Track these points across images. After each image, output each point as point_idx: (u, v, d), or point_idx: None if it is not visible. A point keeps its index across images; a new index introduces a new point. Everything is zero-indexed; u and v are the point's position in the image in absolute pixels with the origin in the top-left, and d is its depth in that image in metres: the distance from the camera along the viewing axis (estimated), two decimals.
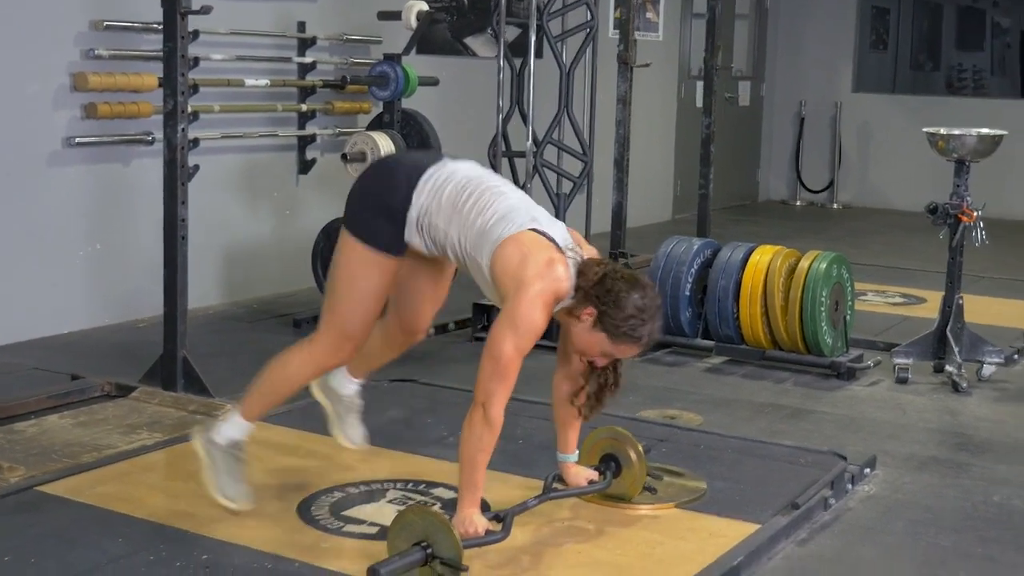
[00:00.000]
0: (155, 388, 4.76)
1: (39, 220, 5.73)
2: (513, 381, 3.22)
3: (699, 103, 10.26)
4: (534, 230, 3.28)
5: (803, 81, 12.22)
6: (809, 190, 12.13)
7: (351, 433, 3.99)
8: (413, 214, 3.35)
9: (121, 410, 4.58)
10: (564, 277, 3.21)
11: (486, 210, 3.30)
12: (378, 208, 3.40)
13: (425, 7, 5.94)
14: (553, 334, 5.46)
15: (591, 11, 5.79)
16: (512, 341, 3.16)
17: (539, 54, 5.87)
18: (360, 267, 3.42)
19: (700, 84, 10.48)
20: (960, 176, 5.33)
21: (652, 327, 3.23)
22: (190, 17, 4.68)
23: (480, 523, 3.23)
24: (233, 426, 3.59)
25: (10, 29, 5.48)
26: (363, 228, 3.41)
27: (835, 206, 11.91)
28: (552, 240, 3.29)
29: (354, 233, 3.43)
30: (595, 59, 5.99)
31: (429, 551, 3.03)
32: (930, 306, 6.61)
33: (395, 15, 6.10)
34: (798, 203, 12.14)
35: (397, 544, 3.09)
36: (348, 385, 3.96)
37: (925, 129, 5.39)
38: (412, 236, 3.39)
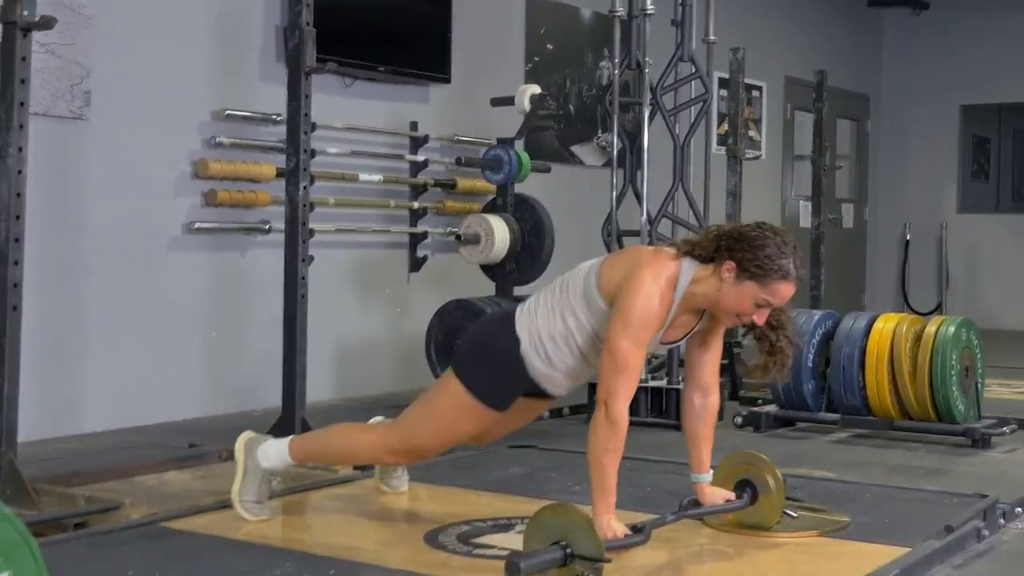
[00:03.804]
0: None
1: (159, 304, 5.79)
2: (634, 377, 3.12)
3: (803, 223, 10.23)
4: None
5: (907, 203, 12.14)
6: (917, 312, 11.88)
7: (394, 483, 4.04)
8: (526, 346, 3.33)
9: None
10: (672, 261, 3.17)
11: (575, 272, 3.34)
12: (490, 357, 3.40)
13: (538, 90, 6.02)
14: (670, 409, 5.35)
15: (704, 84, 5.81)
16: (626, 334, 3.08)
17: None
18: (459, 410, 3.41)
19: (803, 204, 10.48)
20: None
21: (796, 259, 3.13)
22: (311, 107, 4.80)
23: (619, 528, 3.09)
24: (278, 453, 3.67)
25: (136, 115, 5.64)
26: (474, 377, 3.39)
27: None
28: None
29: (463, 380, 3.40)
30: (708, 132, 5.99)
31: (568, 550, 2.90)
32: None
33: (508, 100, 6.19)
34: None
35: (533, 544, 2.95)
36: (403, 480, 4.05)
37: None
38: (535, 367, 3.35)
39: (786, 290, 3.13)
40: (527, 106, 5.96)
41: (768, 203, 10.60)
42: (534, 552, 2.88)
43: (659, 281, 3.11)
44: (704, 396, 3.42)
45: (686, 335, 3.32)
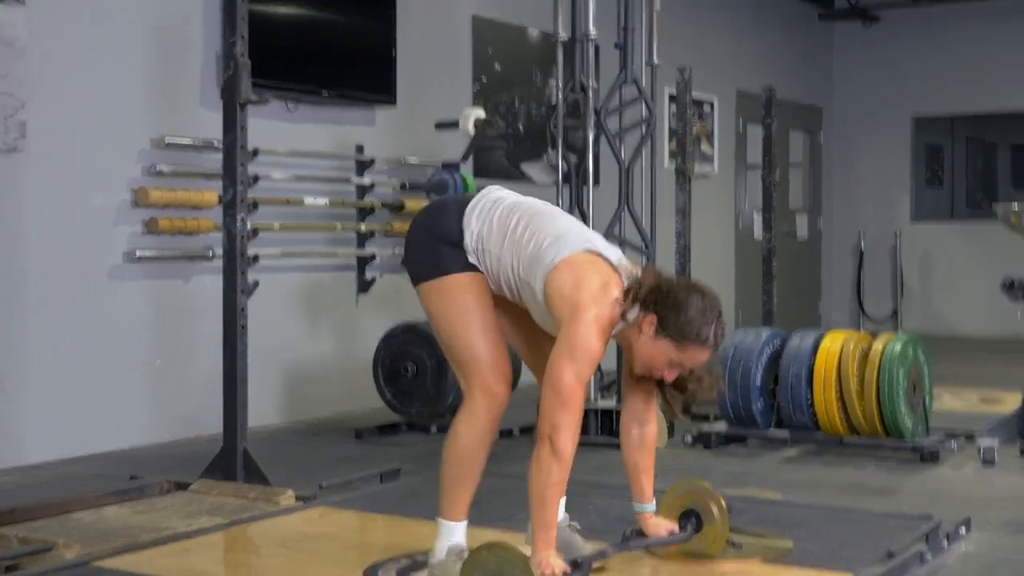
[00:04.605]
0: (215, 481, 4.64)
1: (100, 333, 5.71)
2: (578, 410, 3.07)
3: (757, 235, 10.23)
4: (588, 251, 3.18)
5: (861, 212, 12.21)
6: (872, 320, 11.95)
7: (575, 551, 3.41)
8: (468, 243, 3.25)
9: (180, 500, 4.45)
10: (617, 303, 3.10)
11: (538, 232, 3.20)
12: (435, 241, 3.29)
13: (482, 114, 5.99)
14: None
15: (648, 107, 5.79)
16: (571, 369, 3.03)
17: (597, 161, 5.87)
18: (450, 298, 3.25)
19: (757, 216, 10.48)
20: None
21: (717, 328, 3.09)
22: (249, 135, 4.75)
23: (557, 565, 3.05)
24: (446, 535, 3.32)
25: (73, 144, 5.57)
26: (430, 264, 3.29)
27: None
28: (606, 259, 3.19)
29: (426, 276, 3.29)
30: (653, 155, 5.97)
31: None
32: (1009, 406, 6.39)
33: (452, 124, 6.15)
34: None
35: None
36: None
37: (996, 204, 5.29)
38: (474, 262, 3.27)
39: (700, 356, 3.11)
40: (471, 130, 5.93)
41: (721, 215, 10.62)
42: None
43: (602, 319, 3.07)
44: (641, 426, 3.38)
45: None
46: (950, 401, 6.85)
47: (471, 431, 3.25)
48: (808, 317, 11.98)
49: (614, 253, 3.25)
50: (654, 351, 3.11)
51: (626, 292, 3.12)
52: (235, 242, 4.67)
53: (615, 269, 3.19)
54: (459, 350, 3.25)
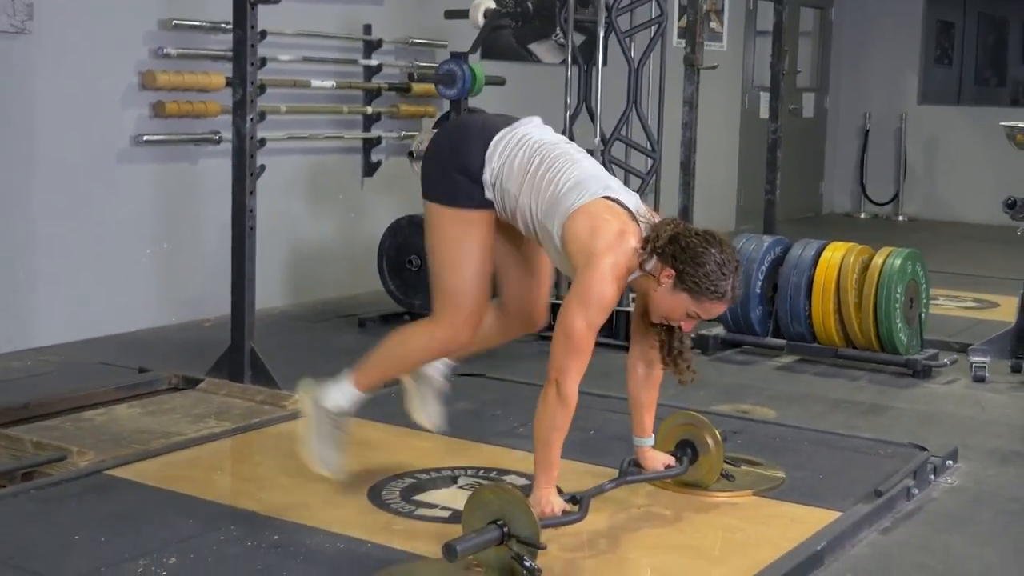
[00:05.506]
0: (222, 380, 4.74)
1: (107, 217, 5.75)
2: (587, 357, 3.14)
3: (763, 114, 10.17)
4: (607, 197, 3.20)
5: (868, 93, 12.09)
6: (874, 202, 11.97)
7: (430, 413, 3.78)
8: (487, 177, 3.28)
9: (189, 400, 4.56)
10: (635, 247, 3.15)
11: (558, 177, 3.22)
12: (455, 168, 3.32)
13: (492, 5, 5.92)
14: (621, 332, 5.37)
15: (660, 6, 5.73)
16: (583, 316, 3.09)
17: (606, 51, 5.81)
18: (455, 230, 3.31)
19: (764, 95, 10.41)
20: None
21: (734, 281, 3.14)
22: (258, 16, 4.69)
23: (556, 503, 3.16)
24: (343, 393, 3.50)
25: (80, 26, 5.52)
26: (445, 190, 3.33)
27: (900, 218, 11.74)
28: (625, 207, 3.22)
29: (437, 199, 3.34)
30: (663, 54, 5.91)
31: (506, 530, 2.96)
32: (1004, 310, 6.48)
33: (462, 13, 6.08)
34: (862, 215, 11.98)
35: (472, 523, 3.02)
36: (438, 366, 3.74)
37: (1003, 123, 5.28)
38: (490, 196, 3.31)
39: (718, 309, 3.16)
40: (481, 21, 5.86)
41: (728, 93, 10.53)
42: (470, 535, 2.95)
43: (618, 267, 3.11)
44: (648, 366, 3.45)
45: None
46: (946, 304, 6.92)
47: (421, 346, 3.42)
48: (810, 198, 12.00)
49: (632, 199, 3.28)
50: (672, 303, 3.16)
51: (644, 241, 3.16)
52: (244, 142, 4.67)
53: (632, 216, 3.22)
54: (446, 282, 3.34)
